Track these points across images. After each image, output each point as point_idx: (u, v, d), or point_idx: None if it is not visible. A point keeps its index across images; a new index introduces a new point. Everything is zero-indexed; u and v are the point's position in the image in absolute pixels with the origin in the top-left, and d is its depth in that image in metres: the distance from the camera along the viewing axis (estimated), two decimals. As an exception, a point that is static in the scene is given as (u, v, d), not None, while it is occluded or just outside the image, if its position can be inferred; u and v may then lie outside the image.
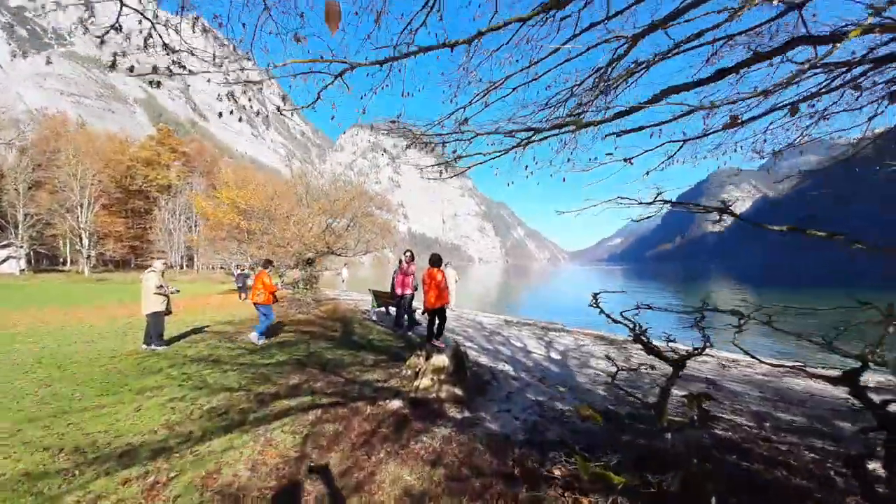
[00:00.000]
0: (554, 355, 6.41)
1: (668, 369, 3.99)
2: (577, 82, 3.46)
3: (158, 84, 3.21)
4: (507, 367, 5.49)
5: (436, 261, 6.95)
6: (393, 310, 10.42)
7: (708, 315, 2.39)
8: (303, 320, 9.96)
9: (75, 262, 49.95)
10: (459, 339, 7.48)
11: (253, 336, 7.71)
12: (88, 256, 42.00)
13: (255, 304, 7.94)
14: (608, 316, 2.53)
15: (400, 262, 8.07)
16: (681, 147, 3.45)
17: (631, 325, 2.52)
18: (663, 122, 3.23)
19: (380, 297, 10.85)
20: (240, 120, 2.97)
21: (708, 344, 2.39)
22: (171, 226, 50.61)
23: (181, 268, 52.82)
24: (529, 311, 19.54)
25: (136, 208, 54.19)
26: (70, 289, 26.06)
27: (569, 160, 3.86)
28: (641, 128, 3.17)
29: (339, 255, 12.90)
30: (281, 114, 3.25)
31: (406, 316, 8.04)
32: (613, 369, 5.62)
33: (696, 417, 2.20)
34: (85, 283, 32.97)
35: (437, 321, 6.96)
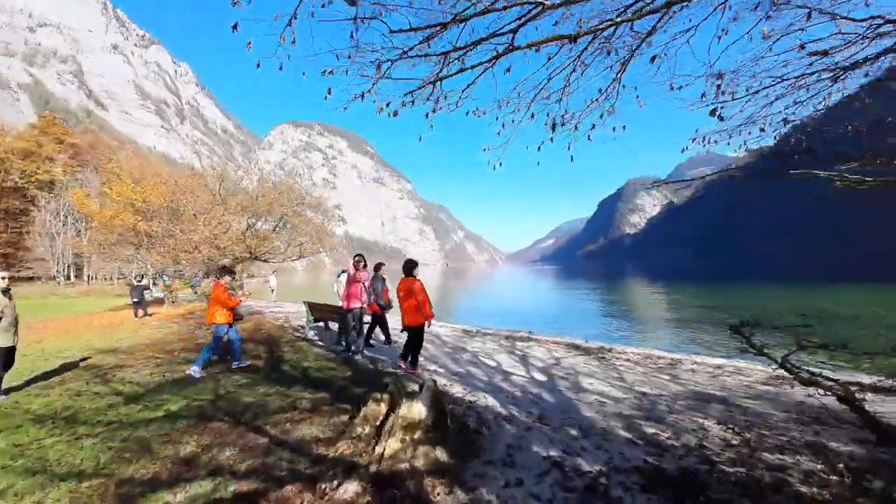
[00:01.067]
0: (537, 375, 5.38)
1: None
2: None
3: None
4: (491, 401, 4.31)
5: (410, 268, 5.68)
6: (335, 325, 8.75)
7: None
8: (216, 344, 7.89)
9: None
10: (420, 360, 6.16)
11: (196, 364, 5.94)
12: (-60, 269, 33.16)
13: (213, 324, 6.28)
14: (791, 371, 1.42)
15: (355, 268, 6.54)
16: None
17: (839, 389, 1.44)
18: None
19: (317, 310, 9.09)
20: None
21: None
22: (54, 229, 42.07)
23: (67, 279, 44.19)
24: (469, 314, 18.75)
25: (10, 209, 44.26)
26: None
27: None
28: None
29: (266, 260, 10.83)
30: None
31: (356, 334, 6.51)
32: (611, 391, 4.74)
33: None
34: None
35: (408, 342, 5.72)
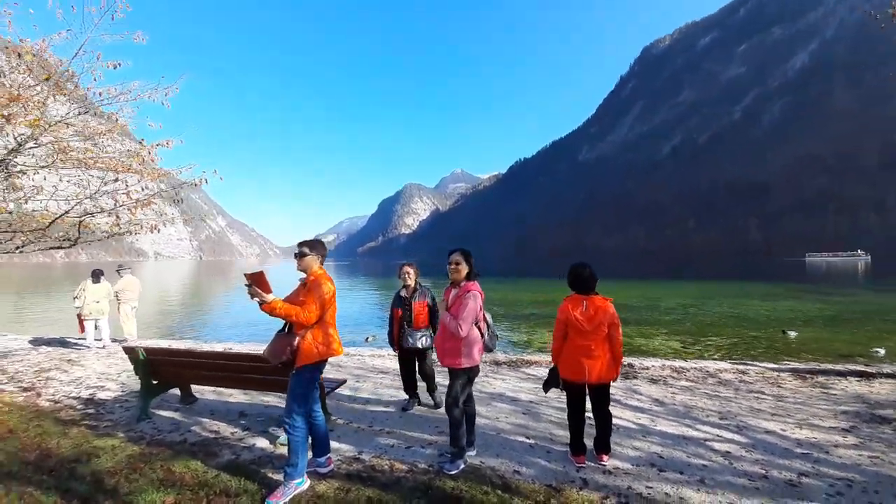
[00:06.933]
0: (700, 429, 3.70)
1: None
2: None
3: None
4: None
5: (593, 281, 3.11)
6: (270, 401, 4.10)
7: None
8: None
9: None
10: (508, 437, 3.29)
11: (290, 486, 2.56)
12: None
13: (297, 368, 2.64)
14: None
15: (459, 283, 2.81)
16: None
17: None
18: None
19: (245, 378, 3.97)
20: None
21: None
22: None
23: None
24: (239, 329, 14.80)
25: None
26: None
27: None
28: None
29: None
30: None
31: (456, 422, 2.89)
32: (833, 443, 3.30)
33: None
34: None
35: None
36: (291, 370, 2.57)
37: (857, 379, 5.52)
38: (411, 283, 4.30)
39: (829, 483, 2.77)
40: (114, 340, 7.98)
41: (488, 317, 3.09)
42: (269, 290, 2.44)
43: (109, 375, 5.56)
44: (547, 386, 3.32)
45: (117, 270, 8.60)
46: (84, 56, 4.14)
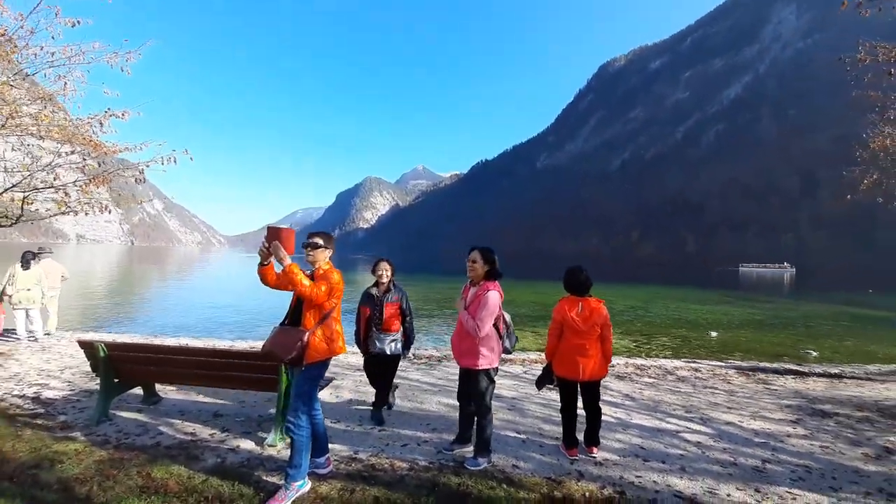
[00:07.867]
0: (678, 423, 4.02)
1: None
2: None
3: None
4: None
5: (588, 284, 3.33)
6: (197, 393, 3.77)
7: None
8: None
9: None
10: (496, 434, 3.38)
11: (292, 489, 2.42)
12: None
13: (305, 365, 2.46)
14: None
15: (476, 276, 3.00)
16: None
17: None
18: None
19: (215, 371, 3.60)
20: None
21: None
22: None
23: None
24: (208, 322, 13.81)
25: None
26: None
27: None
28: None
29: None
30: None
31: (485, 423, 3.03)
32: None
33: None
34: None
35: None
36: (300, 367, 2.45)
37: (792, 377, 6.27)
38: (386, 280, 3.92)
39: (790, 469, 3.14)
40: (46, 334, 7.13)
41: (507, 317, 3.15)
42: (291, 252, 2.38)
43: (50, 372, 4.96)
44: (540, 383, 3.46)
45: (38, 253, 7.65)
46: (42, 12, 3.65)
